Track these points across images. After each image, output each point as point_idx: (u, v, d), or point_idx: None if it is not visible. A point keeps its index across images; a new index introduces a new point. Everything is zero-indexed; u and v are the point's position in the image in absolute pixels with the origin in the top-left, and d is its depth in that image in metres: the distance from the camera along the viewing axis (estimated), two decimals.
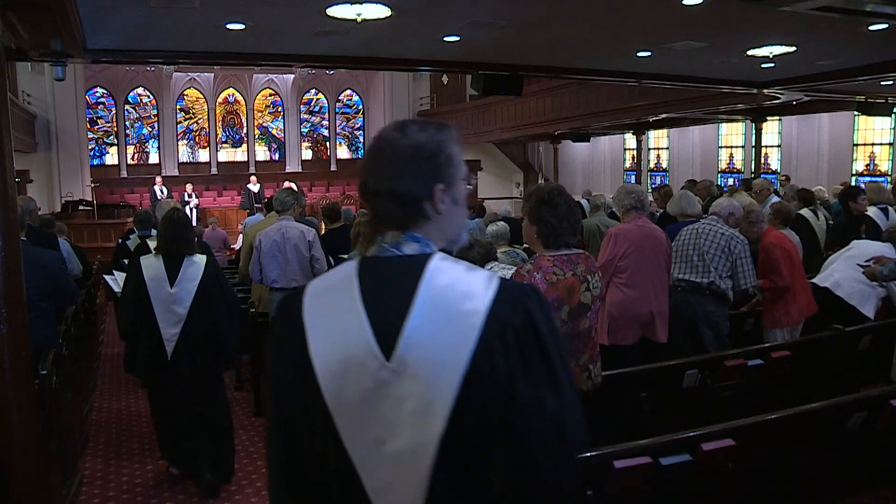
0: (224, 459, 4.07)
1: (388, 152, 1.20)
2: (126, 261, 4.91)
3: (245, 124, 20.90)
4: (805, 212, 7.07)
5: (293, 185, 12.08)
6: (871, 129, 14.37)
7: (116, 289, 5.08)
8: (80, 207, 14.59)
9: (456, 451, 1.13)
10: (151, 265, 3.95)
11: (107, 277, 5.65)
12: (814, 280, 5.06)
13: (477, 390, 1.11)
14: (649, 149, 19.42)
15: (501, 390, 1.12)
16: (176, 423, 4.07)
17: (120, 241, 7.21)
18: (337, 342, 1.17)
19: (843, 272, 4.88)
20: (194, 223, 14.39)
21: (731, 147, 17.49)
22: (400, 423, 1.14)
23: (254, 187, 16.19)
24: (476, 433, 1.13)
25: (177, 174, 19.39)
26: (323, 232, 6.89)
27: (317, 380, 1.16)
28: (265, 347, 2.49)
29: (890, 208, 6.63)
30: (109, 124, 19.43)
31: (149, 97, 19.82)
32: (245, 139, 20.95)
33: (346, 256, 5.26)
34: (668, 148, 19.26)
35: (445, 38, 6.51)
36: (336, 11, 5.36)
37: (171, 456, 4.28)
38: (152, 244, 4.70)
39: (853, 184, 12.19)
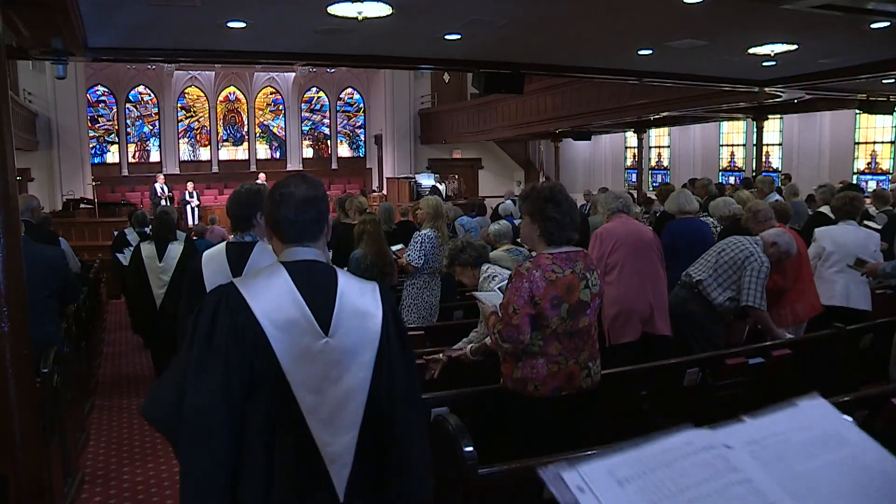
0: None
1: (235, 199, 2.79)
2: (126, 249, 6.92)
3: (246, 122, 20.90)
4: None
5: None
6: (873, 127, 14.35)
7: (125, 263, 6.70)
8: (82, 206, 14.59)
9: None
10: (147, 247, 5.72)
11: (118, 255, 7.34)
12: (829, 303, 4.91)
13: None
14: (650, 147, 19.39)
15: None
16: (162, 354, 5.57)
17: (116, 232, 8.98)
18: (216, 279, 2.45)
19: (846, 282, 4.89)
20: (196, 222, 14.48)
21: (733, 145, 17.47)
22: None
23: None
24: None
25: (178, 172, 19.39)
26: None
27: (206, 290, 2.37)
28: None
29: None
30: (110, 122, 19.44)
31: (150, 95, 19.82)
32: (246, 137, 20.95)
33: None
34: (669, 146, 19.25)
35: (446, 37, 6.51)
36: (337, 10, 5.36)
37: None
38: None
39: (853, 182, 12.21)
